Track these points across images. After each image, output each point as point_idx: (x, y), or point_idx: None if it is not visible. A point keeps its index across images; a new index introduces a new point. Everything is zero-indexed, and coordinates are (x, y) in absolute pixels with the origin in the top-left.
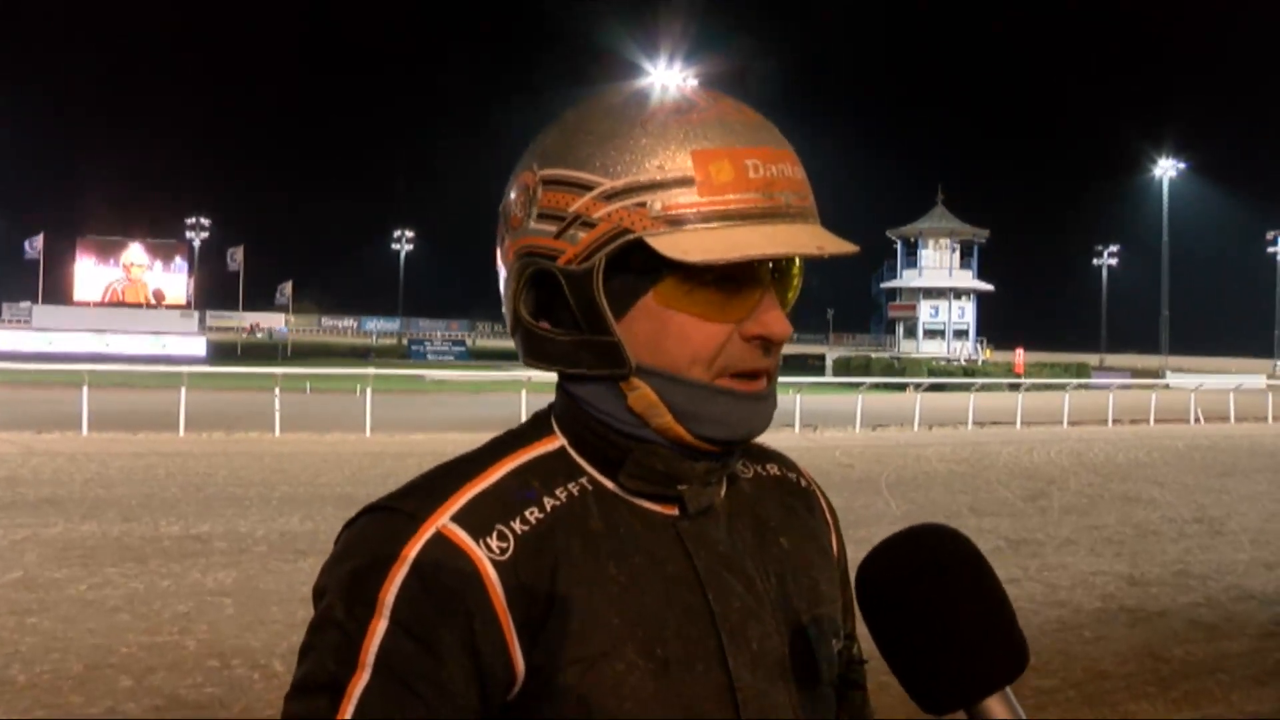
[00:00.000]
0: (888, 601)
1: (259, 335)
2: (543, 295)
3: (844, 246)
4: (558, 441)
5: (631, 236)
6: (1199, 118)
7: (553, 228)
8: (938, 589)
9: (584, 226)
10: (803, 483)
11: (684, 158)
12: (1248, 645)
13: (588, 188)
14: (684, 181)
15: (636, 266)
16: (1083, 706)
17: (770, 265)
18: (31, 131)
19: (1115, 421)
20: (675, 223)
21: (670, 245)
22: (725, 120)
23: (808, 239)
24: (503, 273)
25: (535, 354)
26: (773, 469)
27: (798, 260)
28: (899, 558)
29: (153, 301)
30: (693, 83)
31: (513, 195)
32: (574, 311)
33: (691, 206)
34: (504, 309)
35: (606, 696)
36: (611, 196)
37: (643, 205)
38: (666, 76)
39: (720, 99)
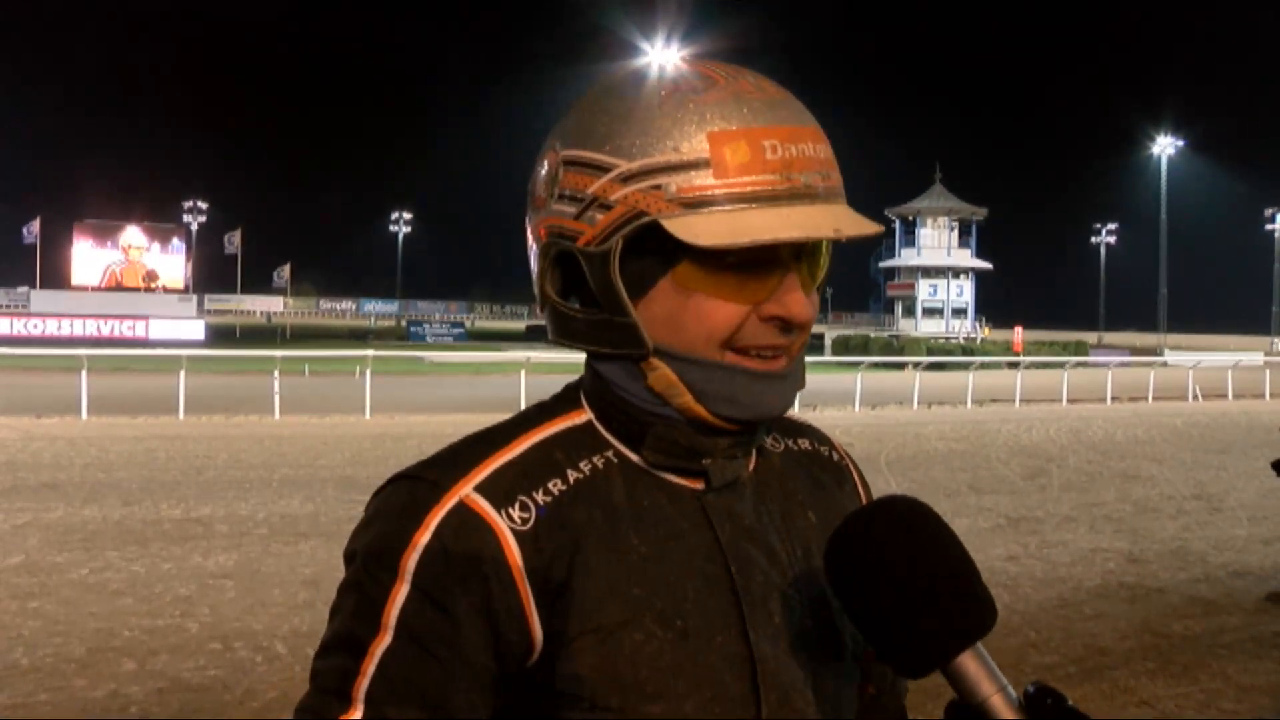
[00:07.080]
0: (853, 575)
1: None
2: (567, 275)
3: (865, 228)
4: (585, 415)
5: (647, 219)
6: (1197, 95)
7: (573, 209)
8: (897, 552)
9: (602, 208)
10: (835, 456)
11: (700, 140)
12: (1245, 620)
13: (605, 169)
14: (700, 164)
15: (654, 248)
16: (1083, 682)
17: (793, 246)
18: (28, 115)
19: (1114, 399)
20: (691, 206)
21: (684, 228)
22: (743, 98)
23: (825, 221)
24: (532, 250)
25: (561, 332)
26: (804, 443)
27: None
28: (861, 529)
29: (147, 284)
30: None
31: (538, 174)
32: (594, 292)
33: (707, 189)
34: (534, 287)
35: (625, 665)
36: (628, 179)
37: (658, 188)
38: (663, 56)
39: (739, 75)
